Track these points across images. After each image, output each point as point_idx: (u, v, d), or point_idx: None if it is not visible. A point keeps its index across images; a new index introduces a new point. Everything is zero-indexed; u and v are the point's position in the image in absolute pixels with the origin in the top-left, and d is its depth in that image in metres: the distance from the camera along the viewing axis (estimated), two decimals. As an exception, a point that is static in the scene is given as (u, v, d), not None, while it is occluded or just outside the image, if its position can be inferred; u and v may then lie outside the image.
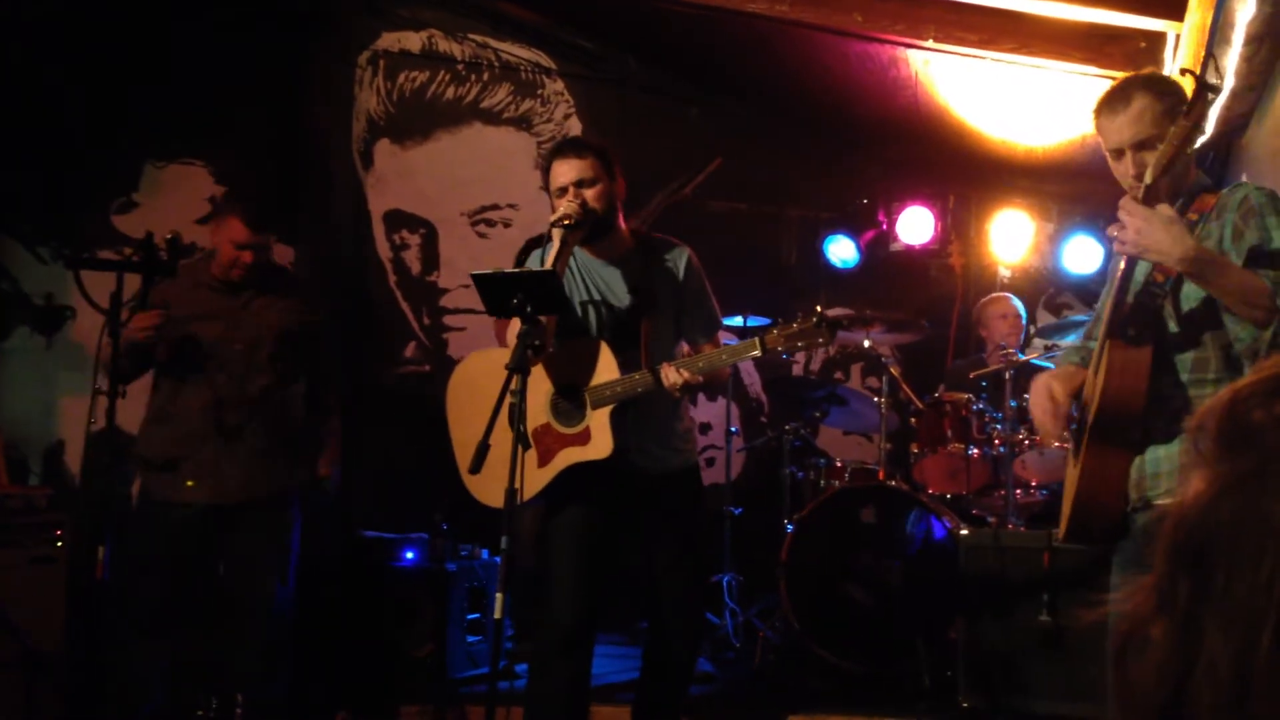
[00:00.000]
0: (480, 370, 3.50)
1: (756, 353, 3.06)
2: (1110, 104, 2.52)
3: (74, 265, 3.72)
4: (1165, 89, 2.52)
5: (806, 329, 3.01)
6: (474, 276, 3.06)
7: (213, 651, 3.93)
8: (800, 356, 6.30)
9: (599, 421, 3.21)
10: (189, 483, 3.78)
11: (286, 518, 3.91)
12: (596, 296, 3.38)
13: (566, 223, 3.16)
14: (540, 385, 3.25)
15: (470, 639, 4.72)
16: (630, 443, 3.25)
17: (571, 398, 3.28)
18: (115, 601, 3.69)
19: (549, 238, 3.17)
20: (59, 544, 4.15)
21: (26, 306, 5.48)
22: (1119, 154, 2.51)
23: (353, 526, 5.03)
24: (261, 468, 3.84)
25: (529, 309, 2.94)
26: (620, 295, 3.37)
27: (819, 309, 3.06)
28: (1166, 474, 2.46)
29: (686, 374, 3.09)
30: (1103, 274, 2.86)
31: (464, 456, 3.45)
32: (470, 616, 4.74)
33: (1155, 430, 2.47)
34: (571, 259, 3.32)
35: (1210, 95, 2.27)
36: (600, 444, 3.21)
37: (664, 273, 3.40)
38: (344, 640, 4.55)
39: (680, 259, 3.43)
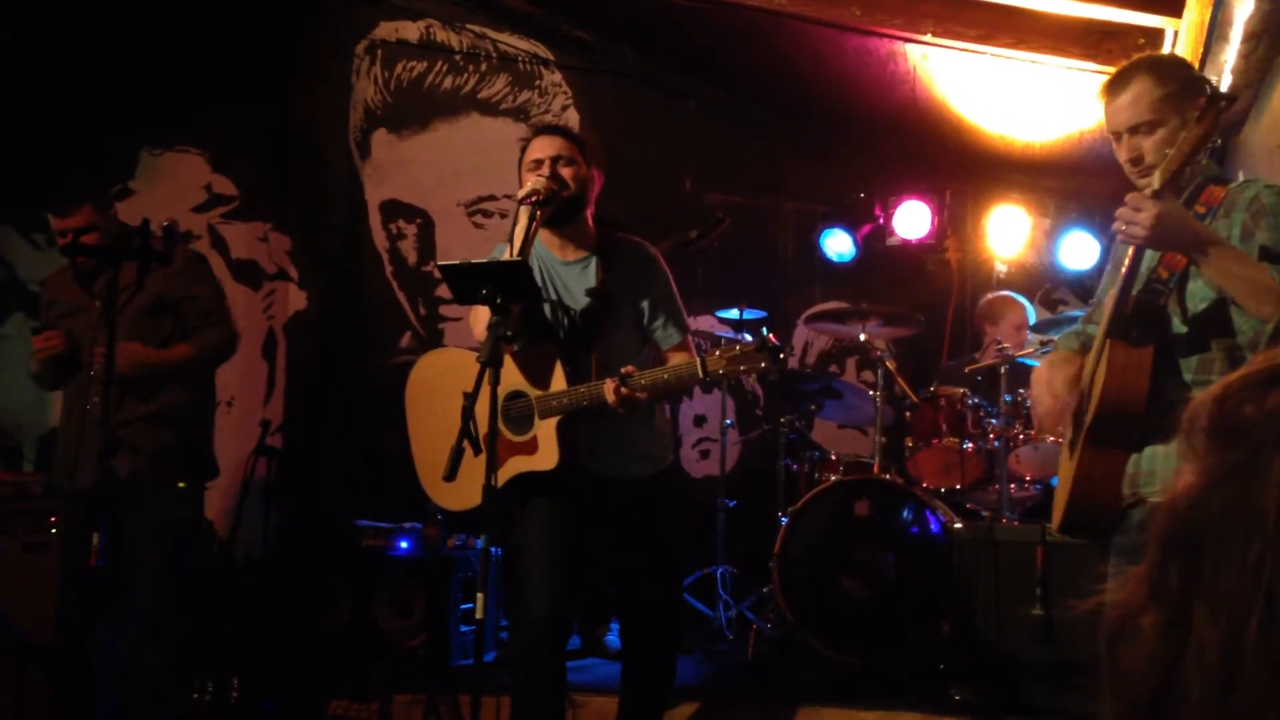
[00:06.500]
0: (438, 371, 3.45)
1: (698, 375, 2.98)
2: (1111, 87, 2.53)
3: (69, 252, 3.70)
4: (1169, 74, 2.49)
5: (748, 352, 2.92)
6: (441, 267, 3.01)
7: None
8: (796, 350, 6.31)
9: (546, 432, 3.14)
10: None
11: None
12: (554, 297, 3.28)
13: (535, 199, 3.05)
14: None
15: (464, 629, 4.72)
16: (585, 449, 3.18)
17: (523, 404, 3.19)
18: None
19: (515, 222, 3.07)
20: (52, 531, 4.15)
21: (22, 293, 5.48)
22: (1117, 137, 2.52)
23: (346, 515, 5.04)
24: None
25: (499, 299, 2.86)
26: (578, 298, 3.26)
27: (764, 331, 3.01)
28: (1162, 472, 2.43)
29: (625, 390, 2.99)
30: (1102, 266, 2.84)
31: (423, 460, 3.41)
32: (464, 606, 4.74)
33: (1154, 429, 2.43)
34: (534, 255, 3.18)
35: (1224, 105, 2.25)
36: (546, 455, 3.14)
37: (627, 276, 3.28)
38: (337, 629, 4.56)
39: (646, 262, 3.31)
